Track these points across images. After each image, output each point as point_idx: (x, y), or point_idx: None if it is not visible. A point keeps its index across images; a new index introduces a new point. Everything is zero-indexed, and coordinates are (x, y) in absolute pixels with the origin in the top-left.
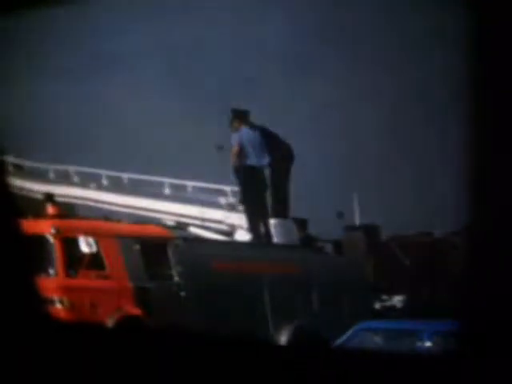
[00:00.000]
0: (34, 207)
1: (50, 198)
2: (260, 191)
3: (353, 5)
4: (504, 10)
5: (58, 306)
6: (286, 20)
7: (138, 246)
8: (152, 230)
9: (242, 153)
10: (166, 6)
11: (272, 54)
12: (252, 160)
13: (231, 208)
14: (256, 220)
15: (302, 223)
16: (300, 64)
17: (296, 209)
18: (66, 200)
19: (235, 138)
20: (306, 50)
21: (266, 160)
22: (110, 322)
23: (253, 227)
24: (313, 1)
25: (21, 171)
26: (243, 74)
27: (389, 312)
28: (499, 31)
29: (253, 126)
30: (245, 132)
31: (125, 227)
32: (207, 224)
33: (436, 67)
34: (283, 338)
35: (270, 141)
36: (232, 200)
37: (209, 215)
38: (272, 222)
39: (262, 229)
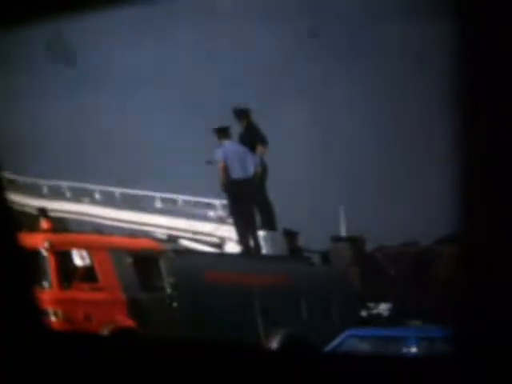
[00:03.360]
0: (28, 221)
1: (43, 212)
2: (248, 203)
3: (344, 16)
4: (493, 19)
5: (52, 318)
6: (278, 32)
7: (130, 259)
8: (144, 243)
9: (227, 167)
10: (159, 19)
11: (263, 68)
12: (238, 173)
13: (221, 221)
14: (245, 232)
15: (292, 235)
16: (290, 77)
17: (283, 220)
18: (60, 215)
19: (219, 153)
20: (297, 63)
21: (250, 172)
22: (103, 334)
23: (242, 239)
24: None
25: (13, 185)
26: (233, 88)
27: (375, 319)
28: (489, 39)
29: (235, 140)
30: (228, 146)
31: (117, 240)
32: (197, 237)
33: (421, 78)
34: (273, 347)
35: (252, 153)
36: (221, 213)
37: (199, 228)
38: (261, 234)
39: (252, 241)
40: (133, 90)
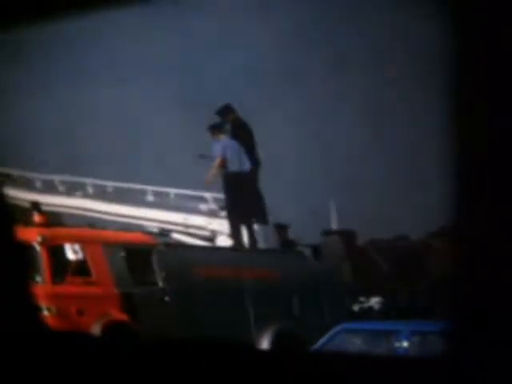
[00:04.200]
0: (20, 215)
1: (36, 206)
2: (244, 196)
3: (340, 15)
4: (487, 21)
5: (45, 313)
6: (272, 31)
7: (123, 253)
8: (136, 237)
9: (227, 162)
10: (153, 16)
11: (256, 64)
12: (236, 166)
13: (212, 214)
14: (239, 226)
15: (283, 228)
16: (282, 71)
17: (276, 214)
18: (52, 209)
19: (218, 149)
20: (291, 58)
21: (247, 166)
22: (96, 328)
23: (235, 233)
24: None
25: (8, 180)
26: (226, 82)
27: (367, 313)
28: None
29: (232, 134)
30: (226, 142)
31: (110, 234)
32: (189, 230)
33: (416, 71)
34: (265, 341)
35: (249, 147)
36: (213, 206)
37: (191, 221)
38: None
39: (246, 234)
40: (126, 85)
